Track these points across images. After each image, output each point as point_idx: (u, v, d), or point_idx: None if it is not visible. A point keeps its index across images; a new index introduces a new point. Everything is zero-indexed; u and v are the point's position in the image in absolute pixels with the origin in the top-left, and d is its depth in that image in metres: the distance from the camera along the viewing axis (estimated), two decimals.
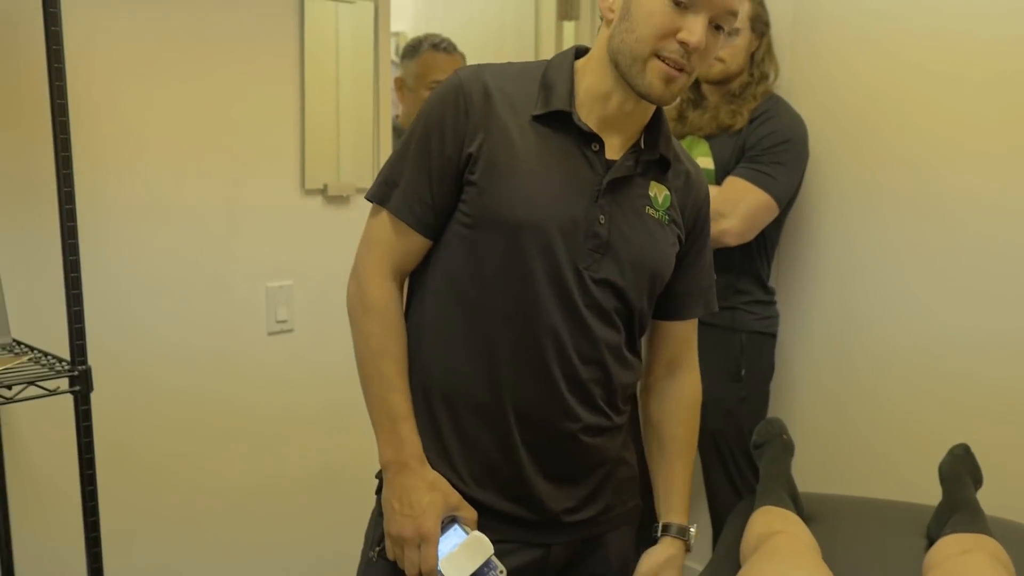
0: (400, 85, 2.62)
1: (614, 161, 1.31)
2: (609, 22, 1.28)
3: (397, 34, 4.06)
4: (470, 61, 2.61)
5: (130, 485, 2.01)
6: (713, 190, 2.24)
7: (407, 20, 4.09)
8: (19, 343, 1.66)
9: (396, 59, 3.70)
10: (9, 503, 1.81)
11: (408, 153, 1.31)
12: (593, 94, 1.30)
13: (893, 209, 2.35)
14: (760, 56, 2.34)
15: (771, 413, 2.49)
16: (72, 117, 1.75)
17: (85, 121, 1.84)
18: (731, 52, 2.30)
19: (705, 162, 2.32)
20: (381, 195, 1.33)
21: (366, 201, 1.36)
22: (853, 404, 2.47)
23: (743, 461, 2.38)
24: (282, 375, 2.24)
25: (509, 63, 1.38)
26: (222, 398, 2.15)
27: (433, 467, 1.32)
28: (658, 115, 1.35)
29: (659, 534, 1.46)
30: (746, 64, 2.33)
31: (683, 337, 1.50)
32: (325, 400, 2.31)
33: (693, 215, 1.42)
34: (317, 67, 2.22)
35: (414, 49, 2.58)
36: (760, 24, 2.33)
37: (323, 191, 2.27)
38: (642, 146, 1.34)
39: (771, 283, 2.43)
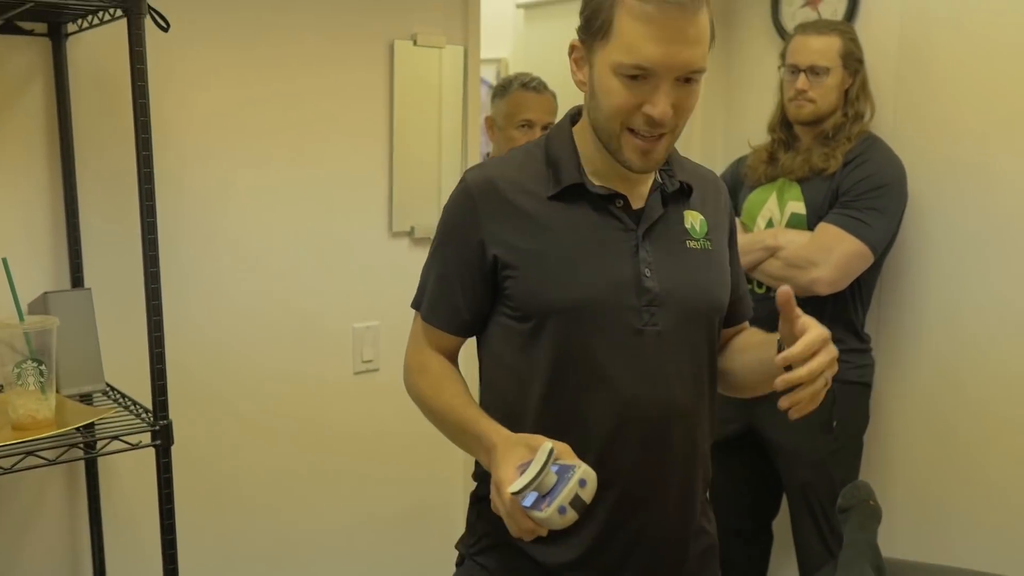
0: (491, 124, 2.64)
1: (642, 209, 1.30)
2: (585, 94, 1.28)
3: (497, 60, 4.10)
4: (568, 93, 2.61)
5: (214, 523, 2.09)
6: (804, 236, 2.19)
7: (507, 46, 4.12)
8: (111, 388, 1.74)
9: (495, 82, 3.72)
10: (105, 541, 1.91)
11: (431, 260, 1.37)
12: (598, 156, 1.29)
13: (1001, 256, 2.22)
14: (854, 94, 2.25)
15: (865, 466, 2.39)
16: (163, 168, 1.85)
17: (174, 170, 1.92)
18: (821, 92, 2.22)
19: (797, 206, 2.25)
20: (416, 299, 1.40)
21: None
22: (953, 462, 2.36)
23: (833, 515, 2.29)
24: (367, 415, 2.29)
25: (512, 150, 1.39)
26: (308, 437, 2.21)
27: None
28: None
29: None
30: (839, 103, 2.25)
31: (734, 333, 1.48)
32: (410, 440, 2.34)
33: (727, 220, 1.41)
34: (406, 111, 2.26)
35: (504, 88, 2.60)
36: (853, 61, 2.25)
37: (410, 233, 2.31)
38: (660, 180, 1.32)
39: (866, 330, 2.34)
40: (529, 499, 1.09)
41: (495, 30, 3.96)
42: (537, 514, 1.08)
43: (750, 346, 1.41)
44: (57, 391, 1.67)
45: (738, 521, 2.47)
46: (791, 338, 1.18)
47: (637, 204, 1.30)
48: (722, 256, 1.36)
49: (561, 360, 1.26)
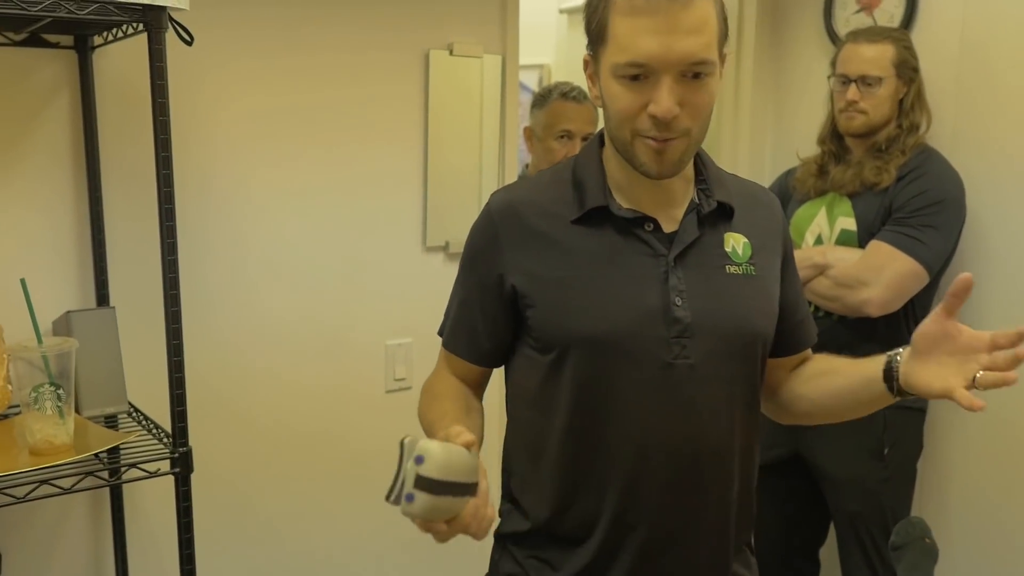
0: (529, 135, 2.57)
1: (675, 232, 1.21)
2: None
3: (540, 66, 4.03)
4: None
5: (240, 547, 2.05)
6: (855, 254, 2.09)
7: (549, 52, 4.05)
8: (135, 409, 1.71)
9: (537, 89, 3.65)
10: (129, 565, 1.88)
11: (455, 285, 1.32)
12: (624, 176, 1.21)
13: None
14: (909, 104, 2.14)
15: (918, 497, 2.28)
16: (189, 183, 1.82)
17: (201, 185, 1.89)
18: (874, 103, 2.12)
19: (847, 222, 2.15)
20: (441, 325, 1.35)
21: None
22: (1017, 495, 2.23)
23: (885, 547, 2.19)
24: (400, 434, 2.21)
25: (542, 172, 1.32)
26: (337, 458, 2.16)
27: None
28: (699, 159, 1.25)
29: (897, 360, 1.16)
30: (893, 114, 2.14)
31: (801, 358, 1.36)
32: None
33: (780, 243, 1.29)
34: (441, 122, 2.21)
35: (543, 98, 2.53)
36: (907, 70, 2.13)
37: (445, 248, 2.25)
38: (697, 201, 1.22)
39: None
40: (402, 500, 0.99)
41: (537, 36, 3.90)
42: (404, 510, 0.98)
43: (831, 371, 1.30)
44: (78, 412, 1.64)
45: (783, 549, 2.38)
46: (935, 335, 1.09)
47: (670, 227, 1.21)
48: (768, 282, 1.25)
49: (583, 394, 1.19)
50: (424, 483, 0.97)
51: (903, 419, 2.18)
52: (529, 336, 1.23)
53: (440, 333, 1.35)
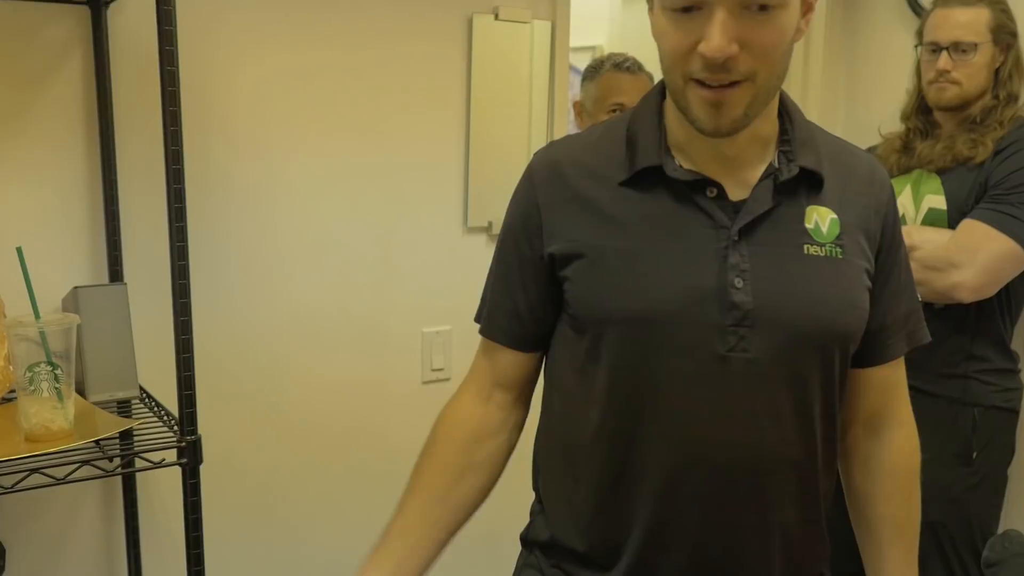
0: (579, 110, 2.39)
1: (744, 201, 1.02)
2: None
3: (592, 48, 3.86)
4: None
5: (259, 542, 1.91)
6: (944, 234, 1.88)
7: (603, 33, 3.87)
8: (147, 395, 1.57)
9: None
10: (143, 559, 1.75)
11: (492, 263, 1.15)
12: (684, 131, 1.03)
13: None
14: (1006, 73, 1.92)
15: (1007, 507, 2.07)
16: (207, 154, 1.68)
17: (219, 156, 1.75)
18: (968, 72, 1.91)
19: (936, 200, 1.94)
20: (478, 311, 1.18)
21: None
22: None
23: (970, 560, 1.99)
24: None
25: (594, 126, 1.14)
26: (370, 453, 2.01)
27: None
28: (786, 115, 1.05)
29: None
30: (988, 85, 1.93)
31: (887, 384, 1.15)
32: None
33: (879, 225, 1.08)
34: (485, 93, 2.04)
35: (595, 70, 2.35)
36: (1005, 35, 1.92)
37: (487, 229, 2.09)
38: (776, 165, 1.03)
39: (1015, 348, 2.01)
40: None
41: (591, 15, 3.73)
42: None
43: (879, 521, 1.17)
44: (85, 397, 1.50)
45: (856, 564, 2.17)
46: None
47: (738, 195, 1.02)
48: (858, 268, 1.05)
49: (621, 385, 1.02)
50: None
51: (995, 420, 1.96)
52: (567, 314, 1.07)
53: (477, 319, 1.18)
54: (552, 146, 1.13)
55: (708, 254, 1.00)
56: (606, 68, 2.32)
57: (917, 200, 1.97)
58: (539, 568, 1.15)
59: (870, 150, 2.17)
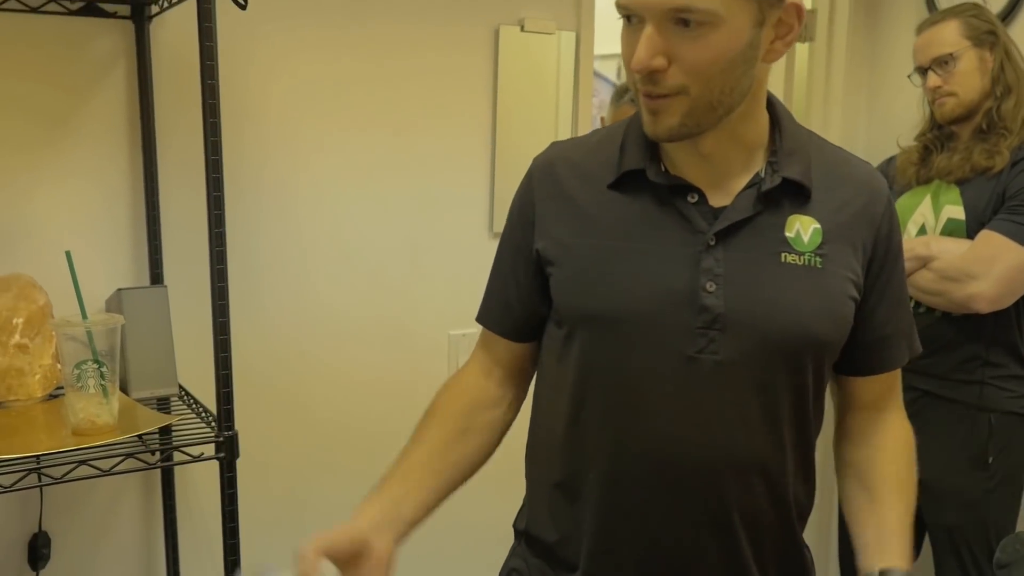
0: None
1: (725, 208, 1.03)
2: None
3: (618, 55, 3.89)
4: None
5: (294, 535, 1.96)
6: (962, 245, 1.91)
7: None
8: (186, 392, 1.64)
9: (618, 82, 3.54)
10: (180, 551, 1.82)
11: (495, 257, 1.20)
12: None
13: None
14: (997, 66, 1.95)
15: None
16: (242, 158, 1.74)
17: (254, 160, 1.81)
18: (957, 80, 1.95)
19: (955, 211, 1.97)
20: (481, 302, 1.23)
21: None
22: None
23: (986, 564, 2.01)
24: None
25: (597, 129, 1.18)
26: (398, 451, 2.06)
27: None
28: (776, 124, 1.06)
29: None
30: (987, 87, 1.95)
31: (883, 388, 1.16)
32: (509, 457, 2.17)
33: (871, 236, 1.07)
34: (511, 102, 2.10)
35: (618, 96, 2.44)
36: (984, 35, 1.94)
37: None
38: (762, 174, 1.04)
39: None
40: None
41: (617, 24, 3.76)
42: None
43: (882, 480, 1.12)
44: (127, 393, 1.58)
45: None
46: None
47: (721, 201, 1.03)
48: (838, 278, 1.03)
49: (589, 380, 1.06)
50: None
51: (1010, 426, 1.98)
52: (553, 308, 1.12)
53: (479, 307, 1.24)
54: (555, 145, 1.17)
55: (682, 257, 1.01)
56: (625, 99, 2.41)
57: (937, 210, 2.00)
58: (523, 557, 1.19)
59: (890, 161, 2.20)
